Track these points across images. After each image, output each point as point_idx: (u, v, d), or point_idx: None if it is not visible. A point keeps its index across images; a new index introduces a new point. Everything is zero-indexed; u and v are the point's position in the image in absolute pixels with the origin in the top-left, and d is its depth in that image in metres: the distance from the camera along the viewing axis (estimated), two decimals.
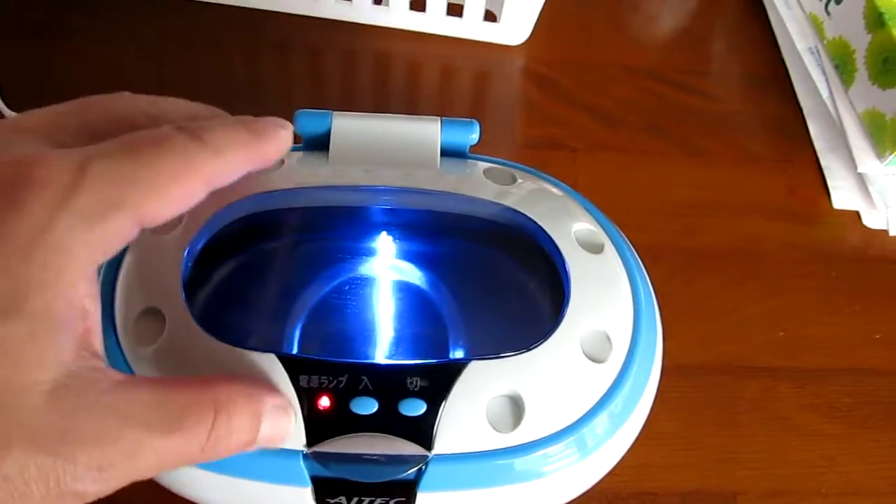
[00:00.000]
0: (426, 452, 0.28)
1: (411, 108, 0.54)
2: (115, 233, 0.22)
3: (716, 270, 0.48)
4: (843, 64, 0.55)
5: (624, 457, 0.32)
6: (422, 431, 0.28)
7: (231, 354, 0.28)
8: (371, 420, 0.28)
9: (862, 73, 0.54)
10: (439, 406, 0.28)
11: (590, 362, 0.30)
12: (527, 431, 0.29)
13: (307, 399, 0.28)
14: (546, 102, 0.55)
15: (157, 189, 0.22)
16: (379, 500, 0.28)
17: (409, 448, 0.28)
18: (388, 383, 0.28)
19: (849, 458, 0.41)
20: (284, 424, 0.26)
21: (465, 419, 0.28)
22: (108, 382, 0.22)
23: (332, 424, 0.28)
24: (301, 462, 0.28)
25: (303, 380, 0.28)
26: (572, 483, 0.31)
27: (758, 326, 0.46)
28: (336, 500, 0.29)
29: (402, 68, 0.56)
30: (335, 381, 0.28)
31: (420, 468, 0.28)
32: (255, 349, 0.28)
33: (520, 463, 0.29)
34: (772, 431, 0.42)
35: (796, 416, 0.43)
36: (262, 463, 0.28)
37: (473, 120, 0.35)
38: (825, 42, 0.57)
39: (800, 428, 0.42)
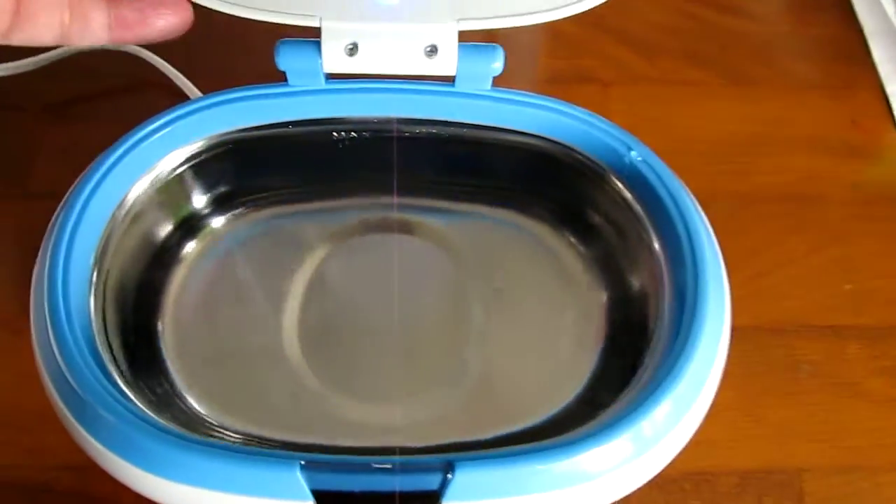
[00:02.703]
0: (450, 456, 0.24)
1: None
2: None
3: (770, 217, 0.43)
4: None
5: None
6: None
7: None
8: None
9: None
10: None
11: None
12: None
13: None
14: (573, 30, 0.50)
15: None
16: None
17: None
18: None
19: None
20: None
21: None
22: None
23: None
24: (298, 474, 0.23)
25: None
26: (627, 483, 0.26)
27: (820, 279, 0.41)
28: None
29: None
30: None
31: (446, 477, 0.23)
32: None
33: (564, 465, 0.24)
34: (839, 399, 0.38)
35: (866, 381, 0.39)
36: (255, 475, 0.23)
37: (496, 45, 0.29)
38: None
39: (870, 394, 0.38)
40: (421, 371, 0.31)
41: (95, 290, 0.27)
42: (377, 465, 0.24)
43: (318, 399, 0.30)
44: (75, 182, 0.28)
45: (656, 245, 0.29)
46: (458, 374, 0.31)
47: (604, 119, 0.30)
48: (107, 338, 0.27)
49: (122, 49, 0.43)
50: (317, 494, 0.24)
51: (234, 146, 0.31)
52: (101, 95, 0.45)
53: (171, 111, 0.29)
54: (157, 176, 0.30)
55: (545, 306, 0.32)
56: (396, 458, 0.24)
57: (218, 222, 0.33)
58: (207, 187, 0.32)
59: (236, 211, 0.33)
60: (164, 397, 0.28)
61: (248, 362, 0.31)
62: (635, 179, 0.29)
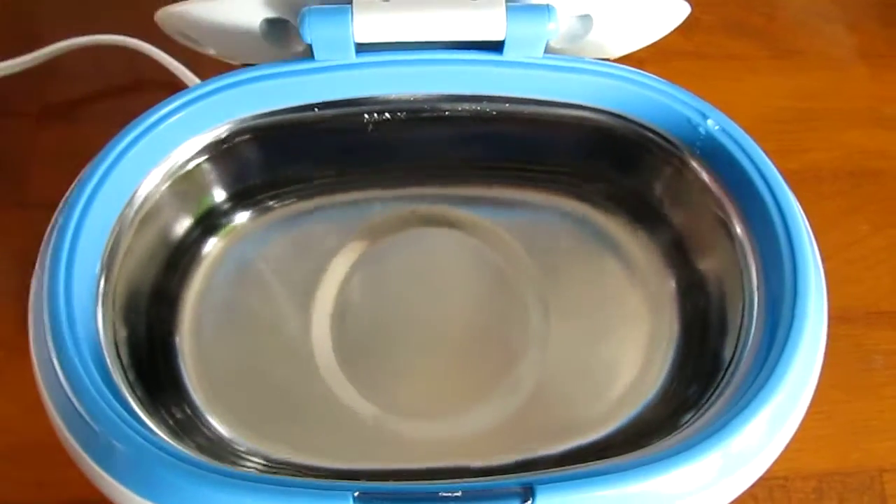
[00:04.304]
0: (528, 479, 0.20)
1: None
2: None
3: (825, 196, 0.41)
4: None
5: None
6: None
7: None
8: None
9: None
10: None
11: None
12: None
13: None
14: None
15: None
16: None
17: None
18: None
19: None
20: None
21: None
22: None
23: None
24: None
25: None
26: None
27: (886, 261, 0.39)
28: None
29: None
30: None
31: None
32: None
33: (651, 485, 0.20)
34: None
35: None
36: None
37: (548, 4, 0.26)
38: None
39: None
40: (473, 381, 0.27)
41: (103, 300, 0.24)
42: (445, 495, 0.20)
43: (362, 417, 0.27)
44: (78, 177, 0.24)
45: (738, 228, 0.25)
46: (516, 383, 0.27)
47: (675, 85, 0.27)
48: (118, 355, 0.24)
49: (123, 45, 0.39)
50: None
51: (257, 133, 0.28)
52: (101, 95, 0.41)
53: (184, 93, 0.25)
54: (171, 167, 0.26)
55: (608, 303, 0.29)
56: (464, 483, 0.20)
57: (240, 219, 0.30)
58: (228, 180, 0.29)
59: (260, 206, 0.30)
60: (185, 422, 0.25)
61: (279, 379, 0.27)
62: (713, 154, 0.26)
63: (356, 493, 0.20)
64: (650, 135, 0.27)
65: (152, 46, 0.39)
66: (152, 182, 0.26)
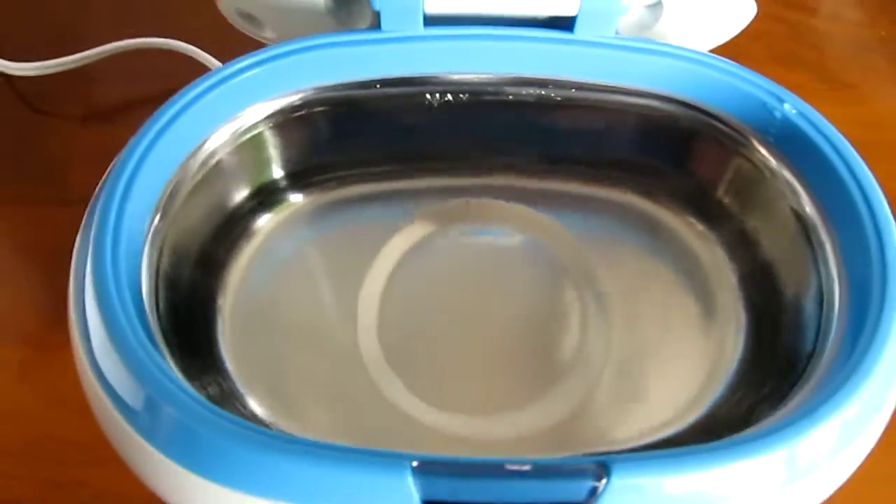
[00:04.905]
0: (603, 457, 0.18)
1: None
2: None
3: None
4: None
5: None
6: None
7: None
8: None
9: None
10: None
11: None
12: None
13: None
14: None
15: None
16: None
17: None
18: None
19: None
20: None
21: None
22: None
23: None
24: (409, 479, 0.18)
25: None
26: None
27: None
28: None
29: None
30: None
31: (598, 483, 0.18)
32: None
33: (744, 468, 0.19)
34: None
35: None
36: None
37: None
38: None
39: None
40: (528, 380, 0.26)
41: (149, 259, 0.22)
42: (512, 468, 0.18)
43: (406, 410, 0.25)
44: (146, 121, 0.23)
45: (813, 217, 0.24)
46: (573, 383, 0.25)
47: (748, 69, 0.26)
48: (158, 320, 0.22)
49: (168, 48, 0.39)
50: None
51: (320, 107, 0.27)
52: (146, 98, 0.41)
53: (257, 53, 0.25)
54: (239, 128, 0.26)
55: (669, 302, 0.27)
56: (533, 458, 0.19)
57: (295, 198, 0.29)
58: (288, 154, 0.28)
59: (316, 187, 0.29)
60: (218, 399, 0.23)
61: (321, 367, 0.26)
62: (789, 139, 0.25)
63: (415, 463, 0.18)
64: (718, 124, 0.26)
65: (199, 49, 0.39)
66: (220, 139, 0.25)
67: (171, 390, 0.19)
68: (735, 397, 0.24)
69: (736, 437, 0.20)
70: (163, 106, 0.24)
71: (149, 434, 0.19)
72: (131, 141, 0.23)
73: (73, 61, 0.39)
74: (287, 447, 0.18)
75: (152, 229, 0.23)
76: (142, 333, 0.20)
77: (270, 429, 0.24)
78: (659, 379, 0.25)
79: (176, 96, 0.24)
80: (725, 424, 0.23)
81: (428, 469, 0.18)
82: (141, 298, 0.21)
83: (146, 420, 0.19)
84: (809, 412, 0.19)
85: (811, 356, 0.23)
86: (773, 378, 0.24)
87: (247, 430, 0.18)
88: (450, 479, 0.18)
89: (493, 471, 0.19)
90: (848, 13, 0.47)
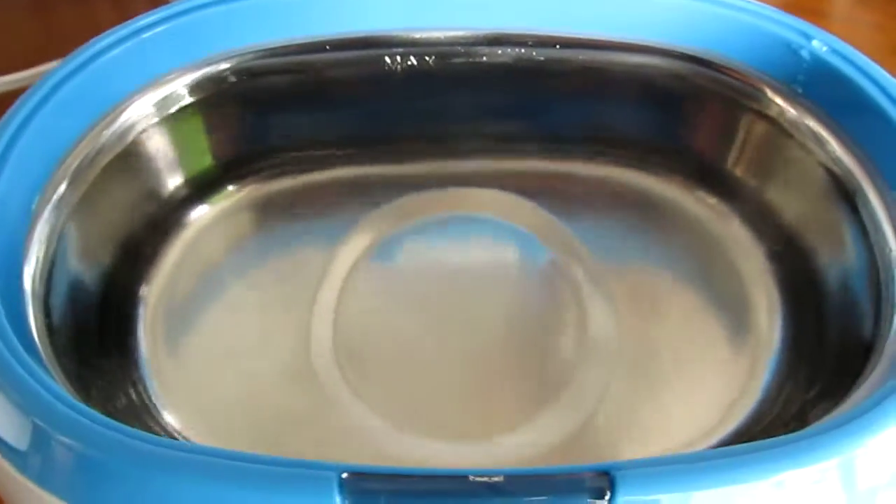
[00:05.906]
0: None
1: None
2: None
3: None
4: None
5: None
6: None
7: None
8: None
9: None
10: None
11: None
12: None
13: None
14: None
15: None
16: None
17: None
18: None
19: None
20: None
21: None
22: None
23: None
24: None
25: None
26: None
27: None
28: None
29: None
30: None
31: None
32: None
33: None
34: None
35: None
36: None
37: None
38: None
39: None
40: (519, 397, 0.21)
41: (41, 239, 0.18)
42: (478, 479, 0.14)
43: (361, 427, 0.20)
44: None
45: (857, 176, 0.20)
46: (570, 404, 0.21)
47: (765, 4, 0.22)
48: (47, 318, 0.18)
49: None
50: None
51: (257, 76, 0.23)
52: None
53: (170, 6, 0.21)
54: (160, 98, 0.22)
55: (686, 295, 0.22)
56: (507, 469, 0.14)
57: (236, 188, 0.25)
58: (227, 133, 0.24)
59: (261, 174, 0.25)
60: (128, 411, 0.19)
61: (263, 377, 0.21)
62: (821, 83, 0.20)
63: (344, 475, 0.14)
64: (733, 80, 0.22)
65: None
66: (140, 110, 0.22)
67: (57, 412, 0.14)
68: (780, 398, 0.19)
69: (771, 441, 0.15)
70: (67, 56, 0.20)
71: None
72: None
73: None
74: (191, 462, 0.14)
75: (52, 203, 0.19)
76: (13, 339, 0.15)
77: (187, 442, 0.19)
78: (675, 397, 0.20)
79: (68, 58, 0.20)
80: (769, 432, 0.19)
81: (361, 483, 0.14)
82: (19, 288, 0.17)
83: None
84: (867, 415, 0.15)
85: (870, 348, 0.18)
86: (822, 381, 0.19)
87: (154, 449, 0.14)
88: (390, 497, 0.14)
89: (450, 484, 0.14)
90: (861, 17, 0.45)
